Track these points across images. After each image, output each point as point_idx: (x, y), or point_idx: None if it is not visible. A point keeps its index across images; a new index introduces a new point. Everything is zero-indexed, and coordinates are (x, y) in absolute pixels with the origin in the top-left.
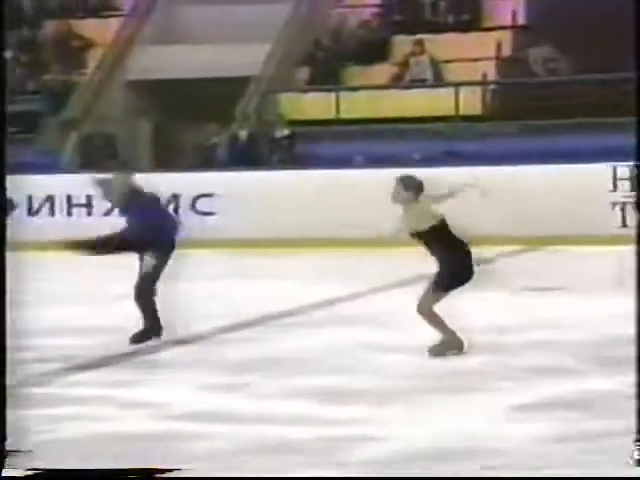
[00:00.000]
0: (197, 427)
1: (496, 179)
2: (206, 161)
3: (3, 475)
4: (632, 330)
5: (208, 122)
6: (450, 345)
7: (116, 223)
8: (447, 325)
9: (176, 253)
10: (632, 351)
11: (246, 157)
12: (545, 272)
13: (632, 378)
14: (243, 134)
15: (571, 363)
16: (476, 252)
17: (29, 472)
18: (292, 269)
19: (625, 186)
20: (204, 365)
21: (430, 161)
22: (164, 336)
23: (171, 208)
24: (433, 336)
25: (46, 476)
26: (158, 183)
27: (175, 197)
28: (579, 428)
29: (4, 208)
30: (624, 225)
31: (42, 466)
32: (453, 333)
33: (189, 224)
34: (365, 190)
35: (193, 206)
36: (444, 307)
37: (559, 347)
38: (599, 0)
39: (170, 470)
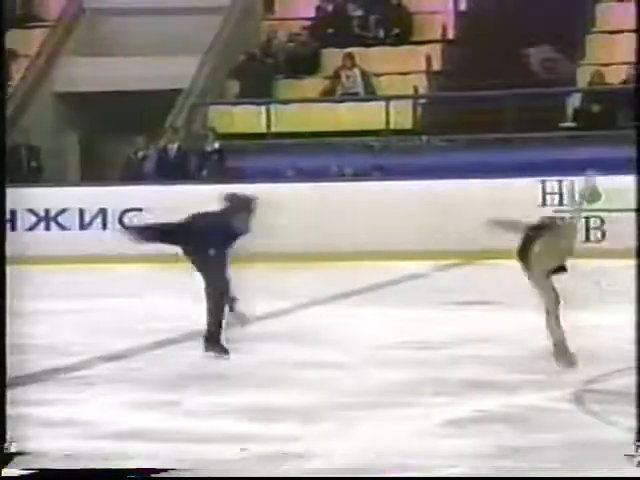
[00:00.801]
0: (124, 446)
1: (425, 193)
2: (134, 175)
3: (3, 475)
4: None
5: (137, 135)
6: None
7: (36, 236)
8: None
9: (104, 268)
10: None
11: (175, 171)
12: (476, 286)
13: (560, 393)
14: (172, 147)
15: (501, 377)
16: (407, 267)
17: (29, 472)
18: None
19: (554, 201)
20: (131, 382)
21: (361, 175)
22: (89, 354)
23: (98, 222)
24: (360, 352)
25: (46, 476)
26: (85, 196)
27: (103, 211)
28: (509, 442)
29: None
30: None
31: (42, 466)
32: None
33: (117, 239)
34: (296, 204)
35: (121, 220)
36: (375, 322)
37: (490, 361)
38: (526, 16)
39: (170, 470)
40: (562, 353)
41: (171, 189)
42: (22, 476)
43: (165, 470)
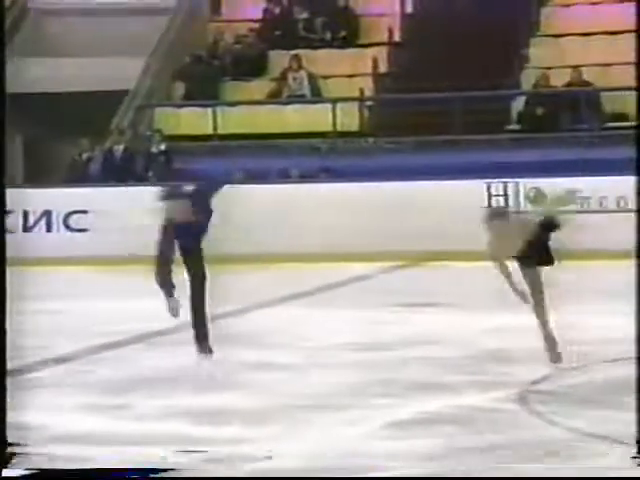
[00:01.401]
0: (73, 450)
1: (372, 195)
2: (80, 176)
3: (3, 475)
4: (508, 345)
5: (82, 136)
6: None
7: None
8: None
9: (47, 270)
10: (507, 367)
11: (121, 172)
12: (422, 288)
13: (504, 393)
14: (118, 149)
15: (446, 379)
16: (354, 269)
17: (29, 472)
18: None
19: (499, 202)
20: (77, 385)
21: (308, 177)
22: (38, 356)
23: (43, 224)
24: (312, 353)
25: (46, 476)
26: (30, 198)
27: (47, 213)
28: (455, 443)
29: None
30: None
31: (42, 466)
32: None
33: (62, 241)
34: (244, 206)
35: (66, 222)
36: (322, 324)
37: (435, 363)
38: (473, 19)
39: (170, 470)
40: (549, 347)
41: (117, 191)
42: (22, 476)
43: (166, 470)
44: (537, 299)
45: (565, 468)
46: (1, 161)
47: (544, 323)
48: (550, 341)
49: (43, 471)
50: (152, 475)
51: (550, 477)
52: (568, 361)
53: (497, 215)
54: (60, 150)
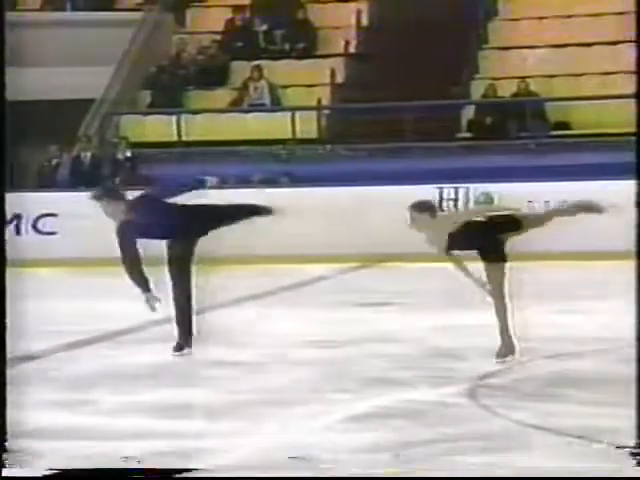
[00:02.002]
0: (37, 445)
1: (330, 199)
2: (48, 181)
3: (3, 475)
4: (458, 342)
5: (50, 143)
6: None
7: None
8: None
9: (18, 272)
10: (458, 363)
11: (88, 178)
12: (377, 288)
13: (455, 388)
14: (86, 155)
15: (400, 375)
16: (313, 270)
17: (29, 472)
18: (131, 287)
19: (451, 206)
20: (46, 382)
21: (269, 182)
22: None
23: (12, 227)
24: (267, 352)
25: (46, 476)
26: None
27: (17, 216)
28: (408, 437)
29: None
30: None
31: (42, 466)
32: None
33: (31, 244)
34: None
35: (35, 226)
36: (281, 323)
37: (389, 359)
38: (424, 32)
39: (170, 470)
40: (503, 340)
41: (85, 195)
42: (22, 476)
43: (166, 470)
44: (496, 294)
45: (511, 459)
46: (1, 164)
47: (502, 318)
48: (506, 336)
49: (43, 471)
50: (152, 475)
51: (606, 477)
52: (516, 356)
53: (424, 209)
54: (29, 156)
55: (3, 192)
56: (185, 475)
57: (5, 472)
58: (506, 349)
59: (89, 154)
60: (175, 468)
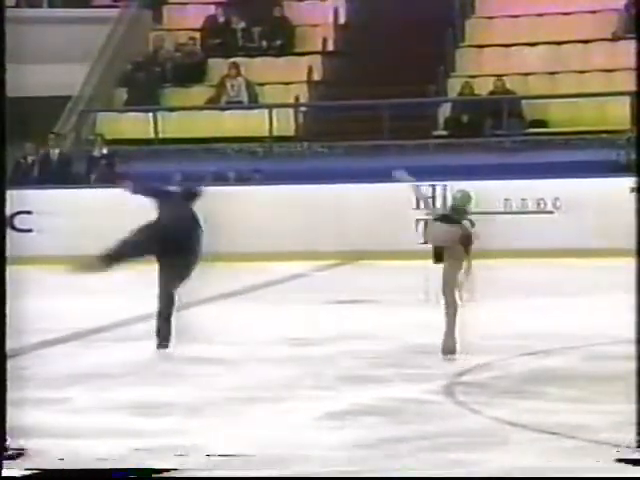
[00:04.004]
0: (19, 443)
1: (306, 197)
2: (25, 179)
3: (3, 475)
4: (434, 339)
5: (26, 140)
6: None
7: None
8: None
9: None
10: (433, 361)
11: (64, 175)
12: (353, 286)
13: (431, 385)
14: (61, 152)
15: (376, 372)
16: (288, 267)
17: (29, 472)
18: (110, 284)
19: (427, 204)
20: (21, 380)
21: (245, 180)
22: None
23: None
24: (243, 349)
25: (46, 476)
26: None
27: None
28: (386, 434)
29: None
30: (426, 242)
31: (42, 466)
32: None
33: (8, 241)
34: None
35: (11, 223)
36: (257, 321)
37: (366, 356)
38: (401, 30)
39: (170, 470)
40: (447, 339)
41: (61, 193)
42: (22, 476)
43: (167, 470)
44: (446, 292)
45: (488, 456)
46: (1, 162)
47: (450, 317)
48: (450, 336)
49: (43, 471)
50: (152, 475)
51: (607, 477)
52: (492, 354)
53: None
54: (6, 153)
55: (4, 190)
56: (181, 475)
57: (5, 472)
58: (449, 348)
59: (64, 151)
60: (163, 468)
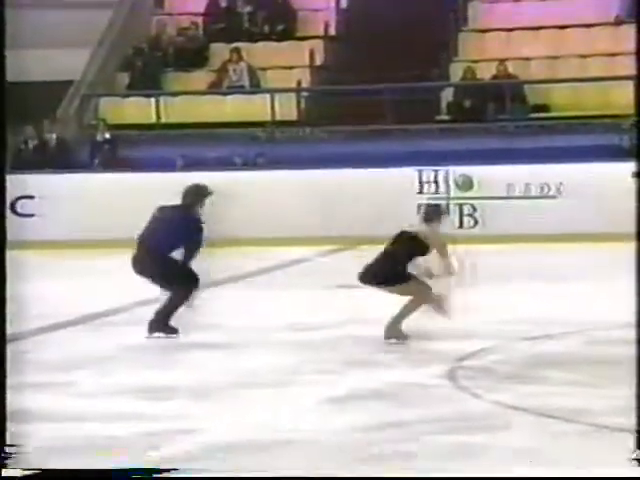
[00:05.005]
0: (20, 427)
1: (309, 182)
2: (25, 163)
3: (3, 475)
4: (437, 323)
5: (28, 125)
6: None
7: None
8: None
9: None
10: (437, 345)
11: (62, 160)
12: (355, 271)
13: (436, 370)
14: (59, 137)
15: (380, 357)
16: (291, 252)
17: (29, 472)
18: (111, 269)
19: (430, 189)
20: (25, 365)
21: (247, 165)
22: None
23: None
24: (246, 334)
25: (46, 476)
26: None
27: None
28: (389, 418)
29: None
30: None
31: (42, 466)
32: None
33: (9, 226)
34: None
35: (13, 208)
36: (261, 305)
37: (369, 341)
38: (404, 14)
39: (170, 470)
40: (394, 326)
41: (63, 177)
42: (22, 476)
43: (167, 470)
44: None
45: (490, 440)
46: (2, 151)
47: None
48: (398, 326)
49: (43, 471)
50: (153, 475)
51: (605, 477)
52: (490, 339)
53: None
54: (7, 138)
55: (4, 176)
56: (182, 475)
57: (5, 472)
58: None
59: (66, 136)
60: (163, 468)
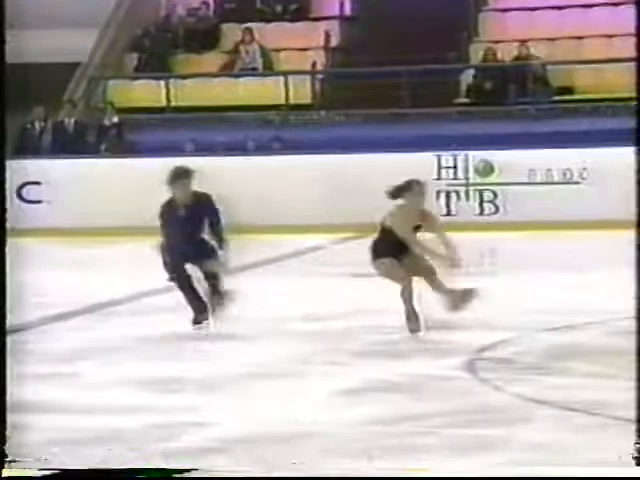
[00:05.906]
0: (25, 418)
1: (324, 167)
2: (32, 148)
3: (3, 475)
4: (456, 315)
5: (34, 108)
6: None
7: None
8: None
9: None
10: (455, 336)
11: (73, 144)
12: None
13: (454, 361)
14: (70, 121)
15: (397, 347)
16: (306, 240)
17: (29, 472)
18: (123, 257)
19: (449, 174)
20: (31, 355)
21: (261, 149)
22: None
23: None
24: (257, 325)
25: (46, 476)
26: None
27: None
28: (406, 410)
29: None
30: (448, 213)
31: (42, 466)
32: None
33: (15, 213)
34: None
35: (19, 194)
36: (274, 294)
37: (385, 331)
38: None
39: (170, 470)
40: (410, 318)
41: (70, 162)
42: (22, 476)
43: (166, 470)
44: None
45: (511, 433)
46: (1, 137)
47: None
48: (411, 313)
49: (43, 471)
50: (152, 475)
51: (605, 477)
52: (517, 329)
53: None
54: (12, 122)
55: (3, 161)
56: (186, 475)
57: (5, 472)
58: (415, 325)
59: (73, 120)
60: (168, 468)
